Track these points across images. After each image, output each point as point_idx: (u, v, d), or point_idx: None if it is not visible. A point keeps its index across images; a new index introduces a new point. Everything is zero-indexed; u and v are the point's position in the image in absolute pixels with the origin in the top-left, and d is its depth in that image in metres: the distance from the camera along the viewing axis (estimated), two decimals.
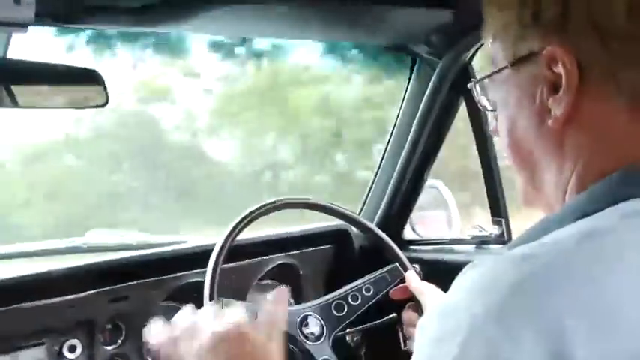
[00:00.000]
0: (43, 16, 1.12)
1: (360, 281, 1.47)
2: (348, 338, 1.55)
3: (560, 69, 0.62)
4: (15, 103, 1.12)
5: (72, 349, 1.36)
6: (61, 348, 1.35)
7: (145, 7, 1.20)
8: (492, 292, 0.53)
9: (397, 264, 1.45)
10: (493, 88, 0.72)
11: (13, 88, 1.11)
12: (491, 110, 0.75)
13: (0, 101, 1.13)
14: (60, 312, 1.34)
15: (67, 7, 1.19)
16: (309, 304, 1.43)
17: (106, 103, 1.19)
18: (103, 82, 1.18)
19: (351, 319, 1.45)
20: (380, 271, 1.46)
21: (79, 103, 1.25)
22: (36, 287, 1.32)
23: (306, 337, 1.37)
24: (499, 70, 0.69)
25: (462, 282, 0.57)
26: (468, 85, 0.83)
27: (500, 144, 0.74)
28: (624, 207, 0.58)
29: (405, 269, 1.42)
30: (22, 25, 1.08)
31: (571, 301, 0.52)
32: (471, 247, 1.64)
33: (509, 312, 0.52)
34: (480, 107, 0.80)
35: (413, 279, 1.36)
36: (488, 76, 0.72)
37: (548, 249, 0.56)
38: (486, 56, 0.73)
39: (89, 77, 1.19)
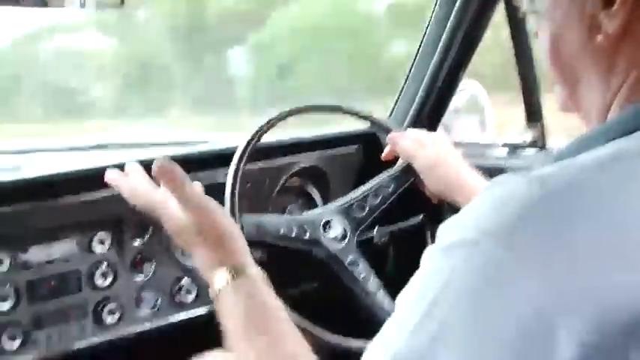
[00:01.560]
0: None
1: (378, 179, 1.44)
2: (375, 239, 1.53)
3: None
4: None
5: (101, 242, 1.39)
6: (90, 241, 1.39)
7: None
8: (503, 212, 0.53)
9: None
10: None
11: None
12: (533, 12, 0.70)
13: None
14: (89, 208, 1.36)
15: None
16: (330, 206, 1.42)
17: (122, 3, 1.14)
18: None
19: (373, 217, 1.43)
20: (397, 167, 1.42)
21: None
22: (66, 184, 1.35)
23: (330, 240, 1.36)
24: None
25: (478, 200, 0.56)
26: None
27: (540, 47, 0.69)
28: None
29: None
30: None
31: (582, 232, 0.51)
32: (504, 152, 1.61)
33: (517, 234, 0.52)
34: (518, 4, 0.74)
35: (398, 141, 1.34)
36: None
37: (569, 172, 0.55)
38: None
39: None
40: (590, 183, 0.54)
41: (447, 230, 0.57)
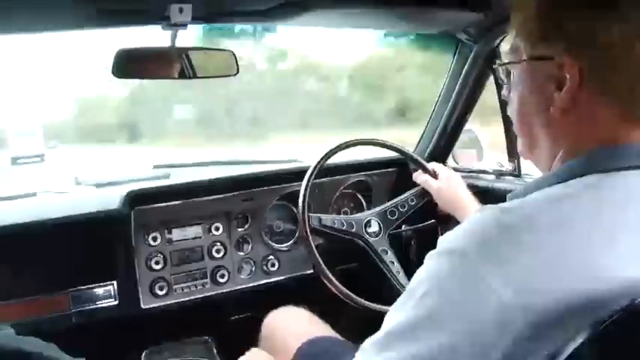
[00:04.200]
0: (198, 18, 1.33)
1: (406, 195, 1.65)
2: (403, 234, 1.74)
3: (566, 74, 0.65)
4: (189, 76, 1.38)
5: (217, 228, 1.70)
6: (210, 227, 1.70)
7: (269, 8, 1.36)
8: (482, 232, 0.60)
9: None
10: (513, 70, 0.75)
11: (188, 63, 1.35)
12: (507, 84, 0.78)
13: (182, 73, 1.36)
14: (211, 206, 1.67)
15: (214, 11, 1.36)
16: (370, 211, 1.65)
17: (237, 72, 1.42)
18: (235, 57, 1.41)
19: (401, 220, 1.62)
20: (418, 188, 1.64)
21: (220, 72, 1.44)
22: (198, 190, 1.67)
23: (369, 234, 1.57)
24: (519, 61, 0.72)
25: (466, 222, 0.63)
26: (494, 66, 0.92)
27: (510, 111, 0.77)
28: (586, 179, 0.64)
29: (424, 169, 1.63)
30: (184, 25, 1.31)
31: (533, 248, 0.57)
32: (492, 177, 1.77)
33: (490, 246, 0.58)
34: (499, 81, 0.90)
35: (419, 176, 1.60)
36: (510, 63, 0.75)
37: (526, 207, 0.62)
38: (511, 43, 0.75)
39: (227, 54, 1.42)
40: (542, 215, 0.59)
41: (444, 241, 0.63)
